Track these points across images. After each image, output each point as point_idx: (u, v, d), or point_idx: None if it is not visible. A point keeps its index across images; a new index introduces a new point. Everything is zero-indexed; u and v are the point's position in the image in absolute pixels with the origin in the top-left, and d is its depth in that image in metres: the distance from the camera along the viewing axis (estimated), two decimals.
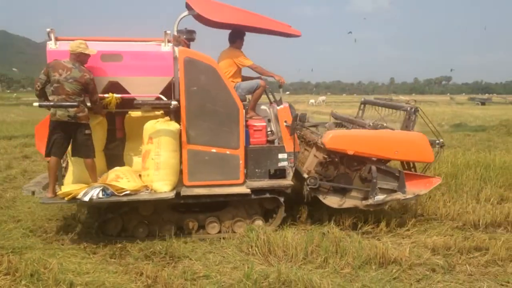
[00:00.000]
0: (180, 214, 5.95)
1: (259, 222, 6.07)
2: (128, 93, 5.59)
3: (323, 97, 57.21)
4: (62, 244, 5.53)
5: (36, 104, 5.25)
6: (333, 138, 5.94)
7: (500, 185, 8.20)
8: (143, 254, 5.21)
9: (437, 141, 6.48)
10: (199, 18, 6.18)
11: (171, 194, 5.43)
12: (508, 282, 4.55)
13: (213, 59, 5.83)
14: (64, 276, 4.46)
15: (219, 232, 5.97)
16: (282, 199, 5.99)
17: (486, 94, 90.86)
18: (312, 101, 53.20)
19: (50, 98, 5.34)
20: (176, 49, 5.68)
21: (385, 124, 6.72)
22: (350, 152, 5.95)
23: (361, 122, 7.02)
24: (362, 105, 7.83)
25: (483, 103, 53.65)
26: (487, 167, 8.99)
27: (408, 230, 6.17)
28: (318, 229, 5.96)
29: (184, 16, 6.03)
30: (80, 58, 5.37)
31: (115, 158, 6.12)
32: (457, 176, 8.43)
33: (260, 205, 6.16)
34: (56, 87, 5.29)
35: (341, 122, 7.60)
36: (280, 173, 6.07)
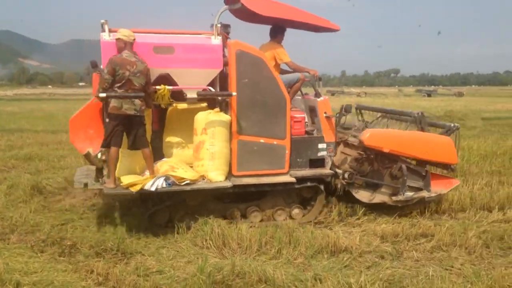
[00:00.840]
0: (223, 204, 6.08)
1: (297, 211, 6.28)
2: (176, 85, 5.63)
3: None
4: (8, 243, 5.29)
5: (102, 94, 5.23)
6: (371, 136, 6.29)
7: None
8: (94, 251, 5.07)
9: (453, 125, 6.87)
10: (237, 12, 6.33)
11: (229, 184, 5.65)
12: (452, 267, 4.76)
13: (262, 52, 6.05)
14: (10, 276, 4.27)
15: (261, 220, 6.11)
16: (322, 187, 6.24)
17: (432, 86, 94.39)
18: None
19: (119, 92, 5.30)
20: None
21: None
22: (386, 150, 6.29)
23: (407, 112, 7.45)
24: (358, 110, 7.99)
25: (429, 95, 55.75)
26: None
27: (359, 219, 6.33)
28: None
29: (225, 10, 6.15)
30: (132, 47, 5.37)
31: (153, 150, 5.87)
32: None
33: (297, 194, 6.35)
34: (123, 83, 5.28)
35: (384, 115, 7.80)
36: (319, 163, 6.27)
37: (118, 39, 5.33)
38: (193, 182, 5.50)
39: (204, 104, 5.97)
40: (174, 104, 5.90)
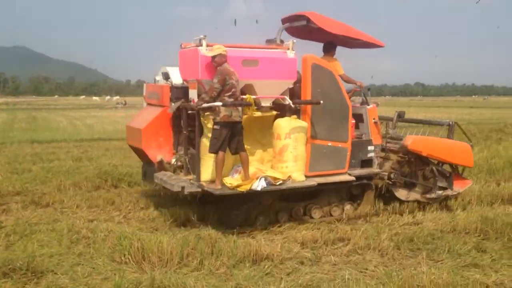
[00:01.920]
0: (287, 203, 6.63)
1: (348, 206, 7.04)
2: (255, 95, 6.17)
3: None
4: None
5: (205, 105, 5.82)
6: (414, 141, 7.24)
7: None
8: (1, 271, 4.69)
9: (470, 143, 7.87)
10: (293, 30, 7.33)
11: (313, 182, 6.34)
12: (366, 269, 4.96)
13: (338, 64, 6.98)
14: None
15: (322, 216, 6.78)
16: (372, 184, 7.06)
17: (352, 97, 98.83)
18: None
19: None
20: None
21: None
22: (424, 154, 7.29)
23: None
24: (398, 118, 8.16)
25: None
26: None
27: (280, 226, 6.44)
28: (195, 232, 5.94)
29: (285, 28, 7.12)
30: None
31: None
32: None
33: (347, 191, 7.07)
34: (233, 91, 5.80)
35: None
36: (368, 163, 7.09)
37: (220, 54, 5.85)
38: (284, 182, 6.10)
39: (275, 112, 6.52)
40: (253, 113, 6.28)
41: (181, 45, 6.60)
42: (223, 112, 5.77)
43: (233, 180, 6.00)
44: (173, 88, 6.79)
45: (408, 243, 5.72)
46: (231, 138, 5.92)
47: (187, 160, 6.57)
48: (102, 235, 5.72)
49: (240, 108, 5.90)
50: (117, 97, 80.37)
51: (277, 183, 6.03)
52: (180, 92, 6.74)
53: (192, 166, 6.49)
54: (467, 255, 5.26)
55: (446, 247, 5.47)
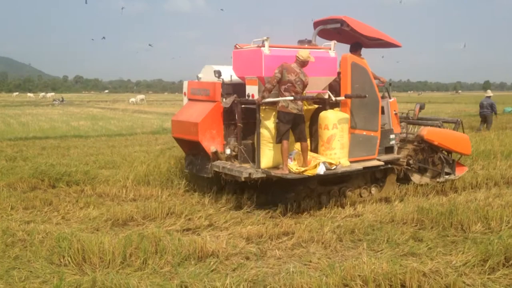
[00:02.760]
0: (325, 186, 7.51)
1: (374, 189, 8.00)
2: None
3: (142, 96, 55.96)
4: None
5: (267, 100, 6.64)
6: (428, 132, 8.51)
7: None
8: None
9: (457, 120, 9.60)
10: (324, 32, 8.27)
11: (360, 166, 7.22)
12: (310, 261, 5.06)
13: (366, 62, 7.58)
14: None
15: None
16: (395, 169, 8.09)
17: None
18: (132, 99, 51.49)
19: (285, 94, 6.60)
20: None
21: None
22: (436, 143, 8.50)
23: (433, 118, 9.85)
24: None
25: None
26: None
27: (226, 222, 6.44)
28: (138, 230, 5.81)
29: (319, 30, 8.12)
30: (304, 64, 6.75)
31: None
32: None
33: (371, 175, 7.99)
34: (288, 86, 6.60)
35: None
36: (390, 150, 8.11)
37: (296, 57, 6.72)
38: (337, 167, 6.85)
39: (316, 106, 7.35)
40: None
41: (235, 46, 7.33)
42: (281, 103, 6.63)
43: (293, 166, 6.71)
44: (224, 84, 7.41)
45: (349, 235, 5.89)
46: (293, 128, 6.73)
47: (242, 150, 7.22)
48: (40, 237, 5.49)
49: (299, 102, 6.69)
50: (52, 93, 76.75)
51: (333, 168, 6.82)
52: (230, 88, 7.43)
53: (248, 155, 7.23)
54: (405, 244, 5.49)
55: (385, 237, 5.68)
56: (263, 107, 6.83)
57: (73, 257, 4.85)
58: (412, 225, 6.27)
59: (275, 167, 6.92)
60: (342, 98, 7.26)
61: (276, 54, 6.87)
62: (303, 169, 6.65)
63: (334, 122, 7.02)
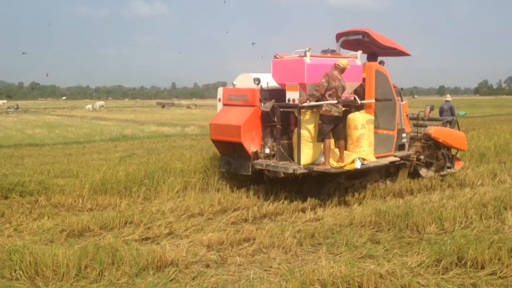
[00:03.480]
0: (349, 180, 8.43)
1: (388, 182, 9.04)
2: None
3: (102, 102, 54.61)
4: None
5: (310, 103, 7.56)
6: (435, 130, 9.69)
7: None
8: None
9: (453, 118, 11.31)
10: (346, 43, 9.21)
11: (386, 162, 8.44)
12: (271, 267, 5.06)
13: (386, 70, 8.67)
14: None
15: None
16: (407, 163, 9.20)
17: None
18: (89, 106, 49.64)
19: (328, 99, 7.50)
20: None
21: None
22: (440, 140, 9.65)
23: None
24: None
25: None
26: None
27: (187, 229, 6.36)
28: (94, 241, 5.65)
29: (342, 41, 9.13)
30: (343, 71, 7.63)
31: (291, 144, 8.16)
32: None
33: (386, 170, 9.06)
34: (333, 92, 7.50)
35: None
36: (402, 147, 9.15)
37: (336, 65, 7.61)
38: (368, 162, 8.00)
39: (343, 108, 7.93)
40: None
41: (275, 56, 8.29)
42: (325, 107, 7.53)
43: (333, 162, 7.68)
44: (262, 90, 8.27)
45: (310, 239, 5.93)
46: (334, 129, 7.62)
47: (281, 149, 8.02)
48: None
49: (339, 105, 7.61)
50: (5, 101, 73.73)
51: (365, 163, 7.88)
52: (267, 94, 8.32)
53: (288, 153, 8.04)
54: (363, 247, 5.58)
55: (344, 241, 5.76)
56: (303, 110, 7.69)
57: (25, 271, 4.66)
58: (370, 228, 6.38)
59: (312, 163, 7.80)
60: (372, 101, 8.36)
61: (316, 63, 7.84)
62: (343, 164, 7.66)
63: (362, 122, 8.04)
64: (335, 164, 7.65)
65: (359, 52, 8.43)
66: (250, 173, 8.22)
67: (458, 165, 10.18)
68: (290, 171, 7.60)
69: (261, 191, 8.40)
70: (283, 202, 7.77)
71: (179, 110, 48.61)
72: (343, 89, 7.67)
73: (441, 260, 4.94)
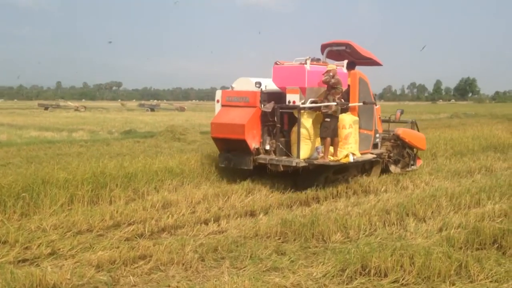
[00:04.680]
0: (334, 175, 10.18)
1: (364, 177, 10.68)
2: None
3: None
4: None
5: (311, 105, 9.52)
6: (403, 131, 11.81)
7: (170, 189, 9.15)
8: None
9: (411, 120, 12.88)
10: (331, 53, 11.20)
11: (371, 156, 10.59)
12: (169, 286, 4.99)
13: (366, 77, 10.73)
14: None
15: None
16: (380, 161, 11.17)
17: (155, 101, 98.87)
18: None
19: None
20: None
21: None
22: (407, 140, 11.66)
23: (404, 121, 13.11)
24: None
25: (152, 109, 58.20)
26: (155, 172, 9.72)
27: (72, 248, 6.05)
28: None
29: (327, 51, 11.09)
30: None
31: (285, 143, 9.88)
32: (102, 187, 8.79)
33: (362, 166, 10.88)
34: (342, 95, 9.63)
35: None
36: (375, 146, 11.02)
37: (332, 70, 9.50)
38: (357, 157, 9.90)
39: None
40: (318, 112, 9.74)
41: (276, 62, 10.22)
42: (333, 108, 9.27)
43: (330, 156, 9.45)
44: (262, 93, 9.85)
45: (212, 253, 5.95)
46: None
47: (280, 145, 9.71)
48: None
49: (339, 107, 9.45)
50: None
51: (355, 157, 9.78)
52: (265, 96, 9.91)
53: (287, 149, 9.74)
54: (268, 259, 5.72)
55: (248, 253, 5.85)
56: (302, 111, 9.43)
57: None
58: (275, 239, 6.56)
59: (309, 158, 9.49)
60: (360, 103, 10.26)
61: (314, 70, 9.76)
62: (340, 157, 9.51)
63: (350, 123, 9.87)
64: (332, 158, 9.45)
65: (345, 61, 10.36)
66: (251, 167, 9.80)
67: (419, 163, 12.18)
68: (294, 164, 9.34)
69: (159, 201, 8.27)
70: (183, 215, 7.71)
71: (66, 113, 46.19)
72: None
73: (346, 269, 5.22)
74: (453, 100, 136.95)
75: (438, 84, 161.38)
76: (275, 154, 9.80)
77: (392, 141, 11.69)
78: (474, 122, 30.08)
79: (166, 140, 18.18)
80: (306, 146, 9.52)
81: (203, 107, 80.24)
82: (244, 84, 10.22)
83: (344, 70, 10.20)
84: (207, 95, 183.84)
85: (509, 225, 6.62)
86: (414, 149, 12.06)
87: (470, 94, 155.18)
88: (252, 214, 8.04)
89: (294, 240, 6.50)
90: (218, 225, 7.26)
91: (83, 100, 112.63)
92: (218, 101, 10.53)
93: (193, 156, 11.57)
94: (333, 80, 9.29)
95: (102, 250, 5.96)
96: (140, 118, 36.86)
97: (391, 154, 11.51)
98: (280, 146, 9.72)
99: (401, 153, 11.82)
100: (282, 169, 9.57)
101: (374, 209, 7.78)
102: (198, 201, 8.52)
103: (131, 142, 17.49)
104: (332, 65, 9.81)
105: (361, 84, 10.43)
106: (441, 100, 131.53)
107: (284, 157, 9.63)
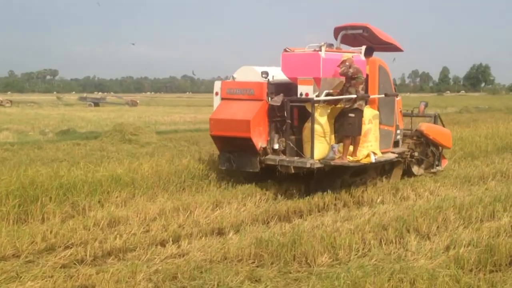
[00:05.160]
0: (351, 177, 10.81)
1: (385, 179, 11.35)
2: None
3: None
4: None
5: (326, 98, 9.99)
6: (427, 127, 12.43)
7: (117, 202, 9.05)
8: None
9: (435, 114, 13.58)
10: (345, 38, 11.61)
11: (393, 156, 11.14)
12: None
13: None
14: None
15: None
16: (401, 161, 11.69)
17: (100, 93, 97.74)
18: None
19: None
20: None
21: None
22: (431, 137, 12.28)
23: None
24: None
25: (96, 104, 57.65)
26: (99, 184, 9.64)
27: None
28: None
29: (343, 35, 11.49)
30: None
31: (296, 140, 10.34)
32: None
33: (381, 168, 11.48)
34: (363, 86, 10.26)
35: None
36: (396, 143, 11.59)
37: (347, 59, 9.82)
38: (379, 156, 10.48)
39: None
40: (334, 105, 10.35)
41: (285, 49, 10.46)
42: (359, 101, 9.82)
43: (350, 155, 10.04)
44: (269, 84, 10.32)
45: (170, 282, 5.94)
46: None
47: (290, 144, 10.13)
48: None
49: (365, 99, 10.11)
50: None
51: (377, 157, 10.33)
52: (273, 88, 10.35)
53: (298, 148, 10.15)
54: (239, 287, 5.73)
55: (215, 281, 5.85)
56: (316, 105, 9.82)
57: None
58: (249, 262, 6.58)
59: (323, 158, 9.89)
60: (382, 96, 10.82)
61: (330, 57, 10.04)
62: (360, 158, 10.04)
63: (369, 118, 10.30)
64: (351, 158, 9.96)
65: (364, 47, 10.71)
66: (258, 169, 10.26)
67: (444, 163, 12.83)
68: (308, 165, 9.73)
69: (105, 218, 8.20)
70: (134, 234, 7.66)
71: None
72: None
73: None
74: (463, 91, 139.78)
75: (444, 72, 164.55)
76: (284, 154, 10.27)
77: (415, 138, 12.31)
78: (488, 118, 30.82)
79: (113, 142, 18.08)
80: (320, 145, 9.95)
81: (161, 100, 79.95)
82: (248, 74, 10.68)
83: (362, 57, 10.57)
84: (166, 86, 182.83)
85: None
86: (439, 147, 12.62)
87: (483, 84, 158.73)
88: (220, 232, 8.05)
89: (272, 263, 6.52)
90: (178, 247, 7.25)
91: (9, 92, 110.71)
92: (217, 93, 10.98)
93: (147, 162, 11.55)
94: (351, 70, 9.69)
95: (32, 280, 5.89)
96: (81, 115, 36.49)
97: (414, 153, 12.09)
98: (291, 145, 10.17)
99: (424, 152, 12.47)
100: (293, 171, 10.09)
101: (369, 225, 7.88)
102: (153, 218, 8.49)
103: (70, 145, 17.36)
104: (347, 53, 10.18)
105: (381, 73, 10.91)
106: (448, 92, 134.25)
107: (296, 158, 10.09)
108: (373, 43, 11.45)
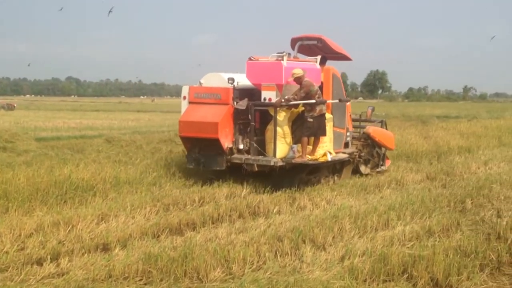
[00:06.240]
0: (307, 175, 12.48)
1: (336, 177, 13.14)
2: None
3: None
4: None
5: (290, 103, 11.69)
6: (373, 130, 14.41)
7: None
8: None
9: (382, 119, 16.45)
10: (302, 48, 13.85)
11: (345, 155, 13.11)
12: None
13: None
14: None
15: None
16: (351, 161, 13.67)
17: None
18: None
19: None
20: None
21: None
22: (377, 139, 14.21)
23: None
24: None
25: None
26: None
27: None
28: None
29: (299, 45, 13.80)
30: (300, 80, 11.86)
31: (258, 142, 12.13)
32: None
33: (333, 166, 13.08)
34: (319, 94, 12.03)
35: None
36: (346, 145, 13.62)
37: (302, 75, 11.53)
38: (333, 156, 12.36)
39: (303, 108, 11.74)
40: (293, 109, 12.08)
41: (250, 58, 12.18)
42: (319, 107, 11.50)
43: (308, 155, 11.67)
44: (235, 89, 12.00)
45: None
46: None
47: (254, 144, 11.77)
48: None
49: (324, 106, 11.81)
50: None
51: (332, 156, 12.03)
52: (238, 93, 12.05)
53: (262, 148, 11.85)
54: None
55: None
56: (279, 109, 11.49)
57: None
58: (136, 280, 6.48)
59: (284, 157, 11.55)
60: (336, 101, 12.75)
61: (291, 66, 11.76)
62: (318, 156, 11.77)
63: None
64: (310, 157, 11.61)
65: (319, 57, 12.66)
66: (224, 167, 11.85)
67: (387, 163, 14.86)
68: (272, 163, 11.42)
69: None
70: (7, 253, 7.29)
71: None
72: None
73: None
74: (361, 97, 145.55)
75: (343, 77, 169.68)
76: (248, 153, 11.92)
77: (362, 140, 14.31)
78: None
79: None
80: (282, 145, 11.65)
81: (42, 104, 77.19)
82: (214, 79, 12.47)
83: (317, 66, 12.53)
84: (48, 88, 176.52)
85: (420, 251, 7.15)
86: (383, 149, 14.59)
87: (380, 91, 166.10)
88: (105, 248, 7.84)
89: (161, 280, 6.45)
90: (57, 265, 6.99)
91: None
92: (184, 97, 12.56)
93: (23, 172, 11.08)
94: (302, 92, 11.40)
95: None
96: None
97: (362, 154, 14.09)
98: (255, 145, 11.81)
99: (371, 153, 14.40)
100: (257, 169, 11.67)
101: (264, 236, 7.98)
102: (29, 233, 8.13)
103: None
104: (298, 69, 11.55)
105: (334, 80, 12.86)
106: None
107: (260, 157, 11.72)
108: (326, 53, 13.42)
